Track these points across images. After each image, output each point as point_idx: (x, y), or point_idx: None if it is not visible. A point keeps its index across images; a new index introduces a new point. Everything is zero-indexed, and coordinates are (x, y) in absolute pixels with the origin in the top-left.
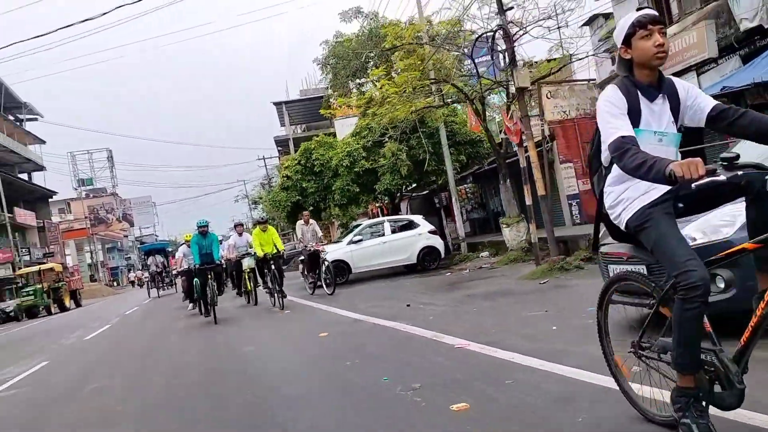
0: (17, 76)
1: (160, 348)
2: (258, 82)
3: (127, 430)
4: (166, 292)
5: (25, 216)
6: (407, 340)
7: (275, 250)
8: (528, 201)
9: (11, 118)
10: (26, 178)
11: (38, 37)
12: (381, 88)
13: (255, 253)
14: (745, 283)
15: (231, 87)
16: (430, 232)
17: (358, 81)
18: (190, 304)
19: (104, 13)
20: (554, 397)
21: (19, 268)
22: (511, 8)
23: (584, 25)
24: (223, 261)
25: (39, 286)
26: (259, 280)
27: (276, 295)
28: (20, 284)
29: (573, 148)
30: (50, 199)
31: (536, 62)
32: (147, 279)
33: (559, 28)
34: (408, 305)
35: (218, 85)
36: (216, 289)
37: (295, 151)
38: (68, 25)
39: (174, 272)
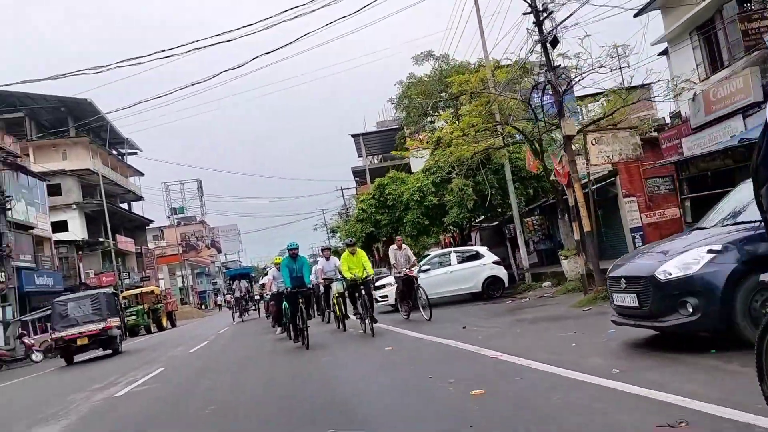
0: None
1: (254, 360)
2: (338, 117)
3: (242, 413)
4: (249, 316)
5: (125, 243)
6: (454, 353)
7: (365, 274)
8: (576, 236)
9: (114, 152)
10: (126, 208)
11: (158, 97)
12: (450, 132)
13: (344, 277)
14: (707, 309)
15: (312, 122)
16: (494, 262)
17: (428, 119)
18: (278, 328)
19: (213, 76)
20: (543, 387)
21: (120, 291)
22: (559, 66)
23: (661, 54)
24: (313, 285)
25: (140, 307)
26: (349, 306)
27: (366, 320)
28: (123, 305)
29: (636, 182)
30: (146, 227)
31: (602, 95)
32: (232, 303)
33: (621, 68)
34: (464, 327)
35: (300, 121)
36: (305, 314)
37: (372, 181)
38: (182, 87)
39: (257, 297)
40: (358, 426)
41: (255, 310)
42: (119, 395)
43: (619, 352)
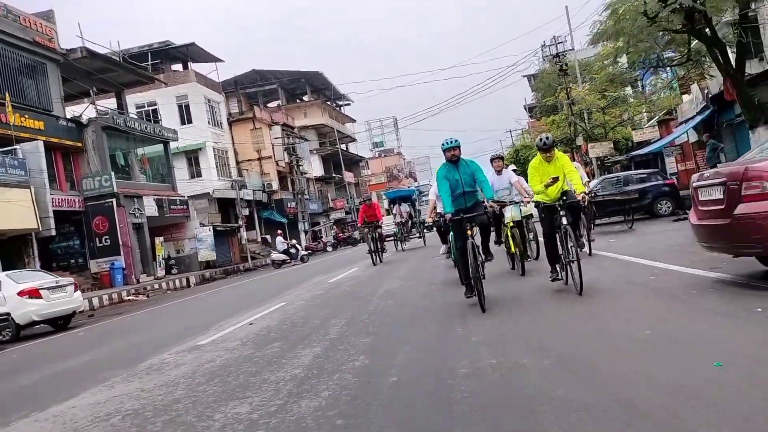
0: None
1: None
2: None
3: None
4: (411, 245)
5: (348, 176)
6: None
7: (563, 193)
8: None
9: (334, 105)
10: (345, 149)
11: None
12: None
13: (531, 195)
14: None
15: (487, 64)
16: None
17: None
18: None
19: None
20: None
21: (347, 212)
22: (575, 114)
23: None
24: (488, 206)
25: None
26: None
27: (565, 266)
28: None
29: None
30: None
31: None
32: (393, 230)
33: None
34: None
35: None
36: (481, 250)
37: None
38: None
39: (424, 222)
40: None
41: (420, 237)
42: (402, 251)
43: None
